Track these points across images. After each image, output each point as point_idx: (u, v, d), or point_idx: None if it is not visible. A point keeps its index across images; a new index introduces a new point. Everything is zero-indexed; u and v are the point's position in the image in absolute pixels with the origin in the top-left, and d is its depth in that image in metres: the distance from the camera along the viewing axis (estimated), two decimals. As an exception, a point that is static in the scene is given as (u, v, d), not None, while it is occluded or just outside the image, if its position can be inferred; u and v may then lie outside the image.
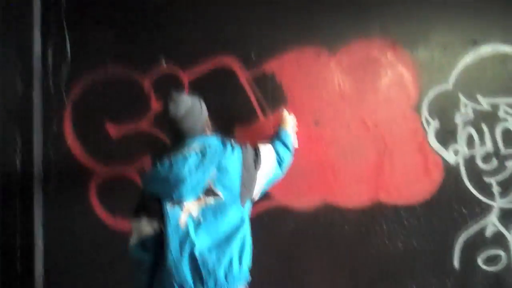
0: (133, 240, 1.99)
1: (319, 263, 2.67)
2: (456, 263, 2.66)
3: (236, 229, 1.96)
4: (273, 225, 2.66)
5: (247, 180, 2.01)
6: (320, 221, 2.67)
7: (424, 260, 2.66)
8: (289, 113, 2.57)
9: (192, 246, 1.90)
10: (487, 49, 2.69)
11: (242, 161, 2.01)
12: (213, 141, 2.02)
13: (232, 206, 1.96)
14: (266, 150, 2.17)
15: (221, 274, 1.90)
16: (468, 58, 2.69)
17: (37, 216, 2.69)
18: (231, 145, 2.05)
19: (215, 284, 1.90)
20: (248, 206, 2.07)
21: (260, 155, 2.10)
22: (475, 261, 2.66)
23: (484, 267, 2.66)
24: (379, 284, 2.67)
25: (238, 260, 1.96)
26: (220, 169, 1.94)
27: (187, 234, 1.91)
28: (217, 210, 1.94)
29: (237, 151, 2.03)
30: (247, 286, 2.07)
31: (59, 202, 2.71)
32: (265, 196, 2.64)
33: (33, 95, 2.68)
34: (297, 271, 2.68)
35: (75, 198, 2.70)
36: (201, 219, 1.93)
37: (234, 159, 2.00)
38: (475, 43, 2.68)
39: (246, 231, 2.03)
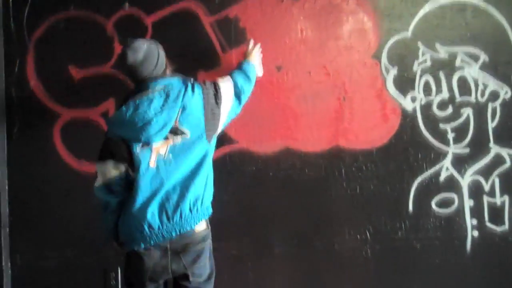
0: (98, 182, 2.03)
1: (279, 206, 2.75)
2: (410, 206, 2.77)
3: (201, 164, 2.03)
4: (234, 168, 2.72)
5: (211, 117, 2.06)
6: (281, 165, 2.74)
7: (380, 203, 2.76)
8: (254, 44, 2.60)
9: (163, 184, 1.96)
10: (446, -2, 2.75)
11: (203, 99, 2.05)
12: (175, 81, 2.05)
13: (198, 142, 2.01)
14: (225, 85, 2.21)
15: (186, 208, 1.96)
16: (428, 7, 2.75)
17: (1, 159, 2.71)
18: (192, 85, 2.09)
19: (181, 217, 1.96)
20: (213, 141, 2.13)
21: (220, 91, 2.15)
22: (429, 204, 2.77)
23: (437, 209, 2.77)
24: (337, 227, 2.76)
25: (202, 195, 2.03)
26: (184, 108, 1.99)
27: (157, 173, 1.96)
28: (185, 148, 1.99)
29: (198, 90, 2.07)
30: (208, 221, 2.14)
31: (23, 144, 2.71)
32: (228, 139, 2.71)
33: (-5, 37, 2.67)
34: (258, 213, 2.76)
35: (39, 140, 2.71)
36: (171, 157, 1.98)
37: (196, 98, 2.04)
38: (434, -9, 2.73)
39: (209, 167, 2.10)
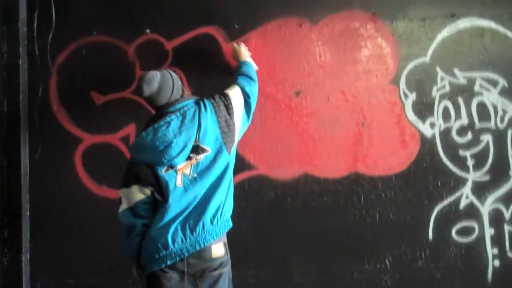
0: (123, 207, 2.05)
1: (298, 233, 2.73)
2: (430, 234, 2.74)
3: (223, 175, 2.07)
4: (253, 194, 2.72)
5: (227, 129, 2.10)
6: (299, 191, 2.73)
7: (399, 231, 2.73)
8: (238, 43, 2.61)
9: (191, 203, 1.99)
10: (465, 23, 2.75)
11: (215, 113, 2.10)
12: (190, 103, 2.10)
13: (220, 156, 2.06)
14: (234, 93, 2.25)
15: (207, 219, 1.99)
16: (446, 32, 2.75)
17: (24, 184, 2.73)
18: (203, 103, 2.13)
19: (203, 229, 1.98)
20: (234, 151, 2.16)
21: (230, 101, 2.19)
22: (449, 232, 2.74)
23: (457, 238, 2.73)
24: (355, 254, 2.73)
25: (222, 206, 2.05)
26: (201, 126, 2.03)
27: (185, 192, 2.00)
28: (208, 165, 2.04)
29: (209, 105, 2.12)
30: (227, 247, 2.11)
31: (45, 169, 2.74)
32: (246, 165, 2.72)
33: (19, 62, 2.72)
34: (276, 240, 2.74)
35: (60, 165, 2.74)
36: (196, 176, 2.01)
37: (209, 114, 2.08)
38: (453, 16, 2.73)
39: (230, 178, 2.13)
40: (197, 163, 2.02)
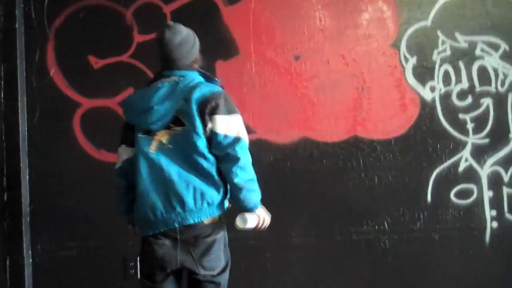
0: (116, 165, 2.06)
1: (297, 196, 2.75)
2: (429, 197, 2.75)
3: (203, 159, 1.92)
4: (252, 157, 2.70)
5: (205, 117, 1.90)
6: (299, 154, 2.74)
7: (398, 193, 2.75)
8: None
9: (163, 170, 1.92)
10: (467, -14, 2.72)
11: (210, 96, 1.90)
12: (190, 74, 1.99)
13: (197, 137, 1.91)
14: (236, 123, 1.95)
15: (189, 200, 1.90)
16: (448, -5, 2.73)
17: (22, 148, 2.74)
18: (216, 83, 2.01)
19: (184, 209, 1.91)
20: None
21: (227, 114, 1.93)
22: (448, 195, 2.75)
23: (456, 200, 2.75)
24: (354, 216, 2.75)
25: (208, 193, 1.93)
26: (187, 100, 1.90)
27: (156, 159, 1.94)
28: (184, 138, 1.93)
29: (218, 89, 1.97)
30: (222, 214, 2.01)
31: (43, 133, 2.74)
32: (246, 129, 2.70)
33: (16, 26, 2.69)
34: (275, 203, 2.73)
35: (58, 129, 2.74)
36: (171, 146, 1.97)
37: (203, 92, 1.90)
38: (455, -21, 2.71)
39: (214, 169, 1.95)
40: (174, 134, 1.94)
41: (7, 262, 2.74)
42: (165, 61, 2.01)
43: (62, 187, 2.75)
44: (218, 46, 2.69)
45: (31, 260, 2.76)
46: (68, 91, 2.73)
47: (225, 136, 1.90)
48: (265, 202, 2.71)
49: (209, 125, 1.89)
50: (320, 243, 2.74)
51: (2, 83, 2.72)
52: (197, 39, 2.06)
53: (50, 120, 2.73)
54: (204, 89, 1.93)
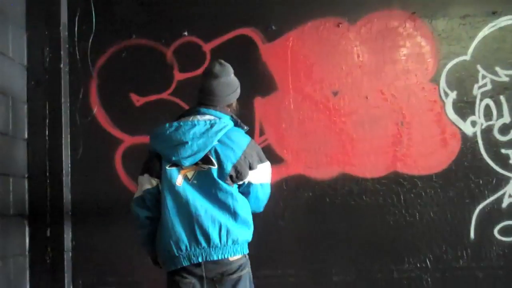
0: (136, 194, 2.07)
1: (336, 232, 2.72)
2: (472, 234, 2.70)
3: (230, 198, 1.96)
4: (291, 193, 2.72)
5: (241, 167, 1.98)
6: (338, 191, 2.73)
7: (440, 230, 2.70)
8: None
9: (189, 204, 1.94)
10: (506, 20, 2.70)
11: (245, 148, 1.99)
12: (224, 117, 2.03)
13: (222, 177, 1.96)
14: (266, 169, 2.10)
15: (215, 236, 1.93)
16: (487, 30, 2.71)
17: (65, 184, 2.79)
18: (244, 131, 2.08)
19: (208, 244, 1.92)
20: (235, 186, 2.02)
21: (261, 163, 2.05)
22: (491, 232, 2.69)
23: (500, 237, 2.69)
24: (395, 254, 2.71)
25: (233, 231, 1.95)
26: (223, 143, 1.96)
27: (183, 193, 1.95)
28: (210, 176, 1.96)
29: (246, 138, 2.04)
30: (246, 256, 2.02)
31: (86, 169, 2.79)
32: (284, 164, 2.72)
33: (61, 66, 2.78)
34: (314, 239, 2.73)
35: (101, 166, 2.79)
36: (196, 182, 1.98)
37: (240, 142, 1.99)
38: (494, 14, 2.69)
39: (242, 206, 2.00)
40: (200, 171, 1.97)
41: (50, 297, 2.78)
42: (206, 94, 2.04)
43: (103, 223, 2.78)
44: (256, 82, 2.73)
45: (72, 296, 2.80)
46: (110, 129, 2.79)
47: (261, 185, 2.07)
48: (304, 238, 2.73)
49: (246, 179, 2.01)
50: (360, 281, 2.70)
51: (47, 121, 2.79)
52: (239, 88, 2.11)
53: (93, 157, 2.79)
54: (244, 136, 2.03)
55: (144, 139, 2.76)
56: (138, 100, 2.78)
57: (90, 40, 2.80)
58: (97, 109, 2.79)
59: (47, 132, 2.79)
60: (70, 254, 2.79)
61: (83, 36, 2.81)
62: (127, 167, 2.78)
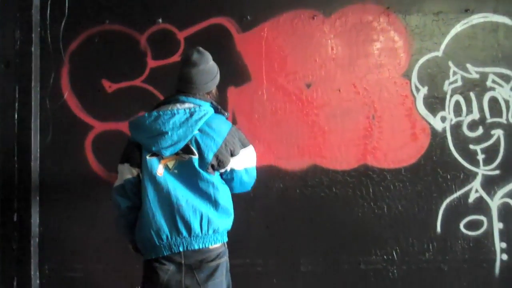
0: (116, 183, 2.06)
1: (306, 223, 2.74)
2: (438, 227, 2.74)
3: (210, 188, 1.98)
4: (262, 184, 2.71)
5: (222, 155, 2.00)
6: (308, 182, 2.74)
7: (407, 223, 2.74)
8: None
9: (169, 194, 1.95)
10: (479, 18, 2.74)
11: (226, 135, 2.01)
12: (204, 104, 2.03)
13: (203, 166, 1.98)
14: (250, 154, 2.14)
15: (196, 226, 1.94)
16: (460, 27, 2.74)
17: (34, 169, 2.75)
18: (225, 118, 2.09)
19: (189, 234, 1.94)
20: (217, 175, 2.05)
21: (243, 148, 2.09)
22: (457, 226, 2.74)
23: (466, 232, 2.74)
24: (362, 245, 2.75)
25: (214, 220, 1.98)
26: (203, 132, 1.97)
27: (164, 183, 1.96)
28: (190, 166, 1.97)
29: (227, 125, 2.05)
30: (225, 245, 2.07)
31: (55, 155, 2.76)
32: (256, 156, 2.71)
33: (32, 49, 2.73)
34: (284, 230, 2.75)
35: (71, 151, 2.76)
36: (176, 172, 1.98)
37: (221, 130, 2.00)
38: (467, 11, 2.73)
39: (223, 196, 2.02)
40: (181, 161, 1.98)
41: (15, 283, 2.74)
42: (185, 82, 2.04)
43: (72, 209, 2.76)
44: (230, 72, 2.71)
45: (38, 281, 2.76)
46: (81, 114, 2.75)
47: (245, 170, 2.12)
48: (273, 228, 2.74)
49: (228, 166, 2.04)
50: (328, 272, 2.73)
51: (17, 104, 2.75)
52: (219, 74, 2.10)
53: (62, 142, 2.75)
54: (225, 123, 2.04)
55: (115, 125, 2.75)
56: (110, 86, 2.75)
57: (63, 24, 2.76)
58: (67, 94, 2.76)
59: (16, 115, 2.75)
60: (37, 240, 2.76)
61: (55, 19, 2.76)
62: (97, 153, 2.75)
